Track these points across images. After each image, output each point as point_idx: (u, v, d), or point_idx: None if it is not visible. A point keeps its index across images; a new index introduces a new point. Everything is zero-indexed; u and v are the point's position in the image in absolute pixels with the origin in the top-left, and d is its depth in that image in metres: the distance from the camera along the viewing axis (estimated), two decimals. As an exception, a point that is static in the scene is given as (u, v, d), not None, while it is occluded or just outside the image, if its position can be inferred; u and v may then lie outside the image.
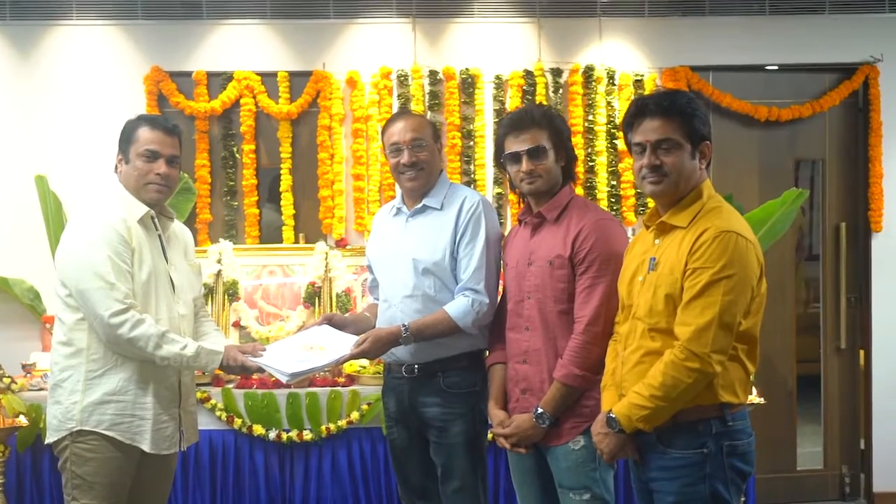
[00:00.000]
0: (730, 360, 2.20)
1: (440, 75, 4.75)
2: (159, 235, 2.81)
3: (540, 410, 2.58)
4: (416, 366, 2.84)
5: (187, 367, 2.76)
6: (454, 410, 2.81)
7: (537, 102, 4.70)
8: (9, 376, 3.80)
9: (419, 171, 2.85)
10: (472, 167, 4.77)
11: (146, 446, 2.68)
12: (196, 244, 4.59)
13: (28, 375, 4.03)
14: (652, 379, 2.18)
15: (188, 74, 4.67)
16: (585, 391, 2.56)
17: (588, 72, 4.78)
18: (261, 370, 2.86)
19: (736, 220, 2.26)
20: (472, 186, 4.75)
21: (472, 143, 4.77)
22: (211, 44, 4.70)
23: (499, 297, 2.89)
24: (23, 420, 3.68)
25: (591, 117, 4.75)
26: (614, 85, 4.81)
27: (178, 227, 2.99)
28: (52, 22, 4.64)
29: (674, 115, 2.29)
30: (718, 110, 4.89)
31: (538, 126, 2.66)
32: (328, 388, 3.86)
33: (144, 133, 2.76)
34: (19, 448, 3.78)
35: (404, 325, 2.75)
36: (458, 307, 2.76)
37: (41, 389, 3.84)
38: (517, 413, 2.68)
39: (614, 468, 2.68)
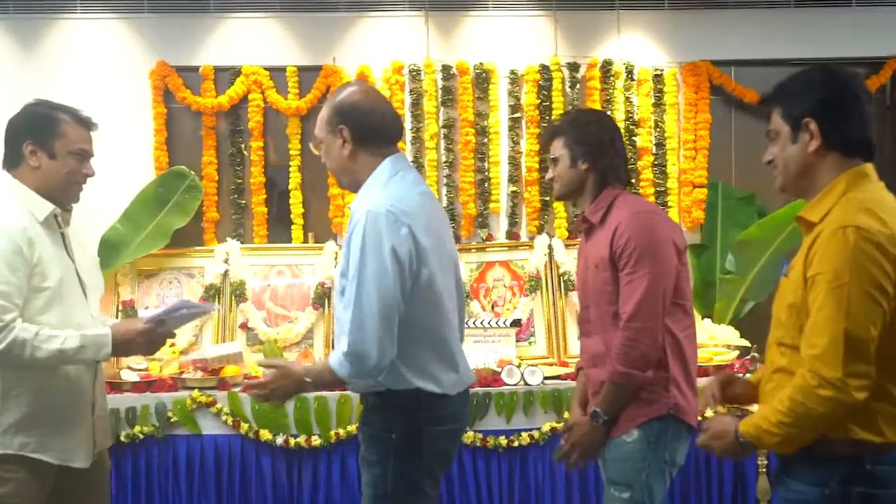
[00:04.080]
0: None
1: (454, 70, 4.76)
2: (62, 233, 2.68)
3: (594, 409, 2.63)
4: None
5: (74, 362, 2.53)
6: (367, 455, 2.45)
7: (554, 99, 4.72)
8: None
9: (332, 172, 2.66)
10: (486, 164, 4.78)
11: (78, 462, 2.59)
12: (202, 243, 4.70)
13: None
14: (780, 404, 1.86)
15: (195, 69, 4.70)
16: (647, 388, 2.58)
17: (606, 66, 4.78)
18: (152, 323, 2.62)
19: (863, 210, 1.84)
20: (486, 185, 4.76)
21: (486, 139, 4.77)
22: (218, 38, 4.73)
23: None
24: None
25: (609, 112, 4.76)
26: (633, 80, 4.82)
27: (74, 226, 2.83)
28: (56, 15, 4.67)
29: (769, 101, 2.13)
30: (741, 106, 4.90)
31: (556, 134, 2.81)
32: (338, 393, 3.83)
33: (74, 130, 2.63)
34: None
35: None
36: (334, 357, 2.36)
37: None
38: None
39: (667, 482, 2.65)
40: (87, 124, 2.69)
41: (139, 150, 4.67)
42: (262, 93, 4.70)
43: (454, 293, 2.54)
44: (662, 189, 4.80)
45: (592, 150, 2.72)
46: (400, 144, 4.51)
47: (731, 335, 4.27)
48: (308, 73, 4.74)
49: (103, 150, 4.52)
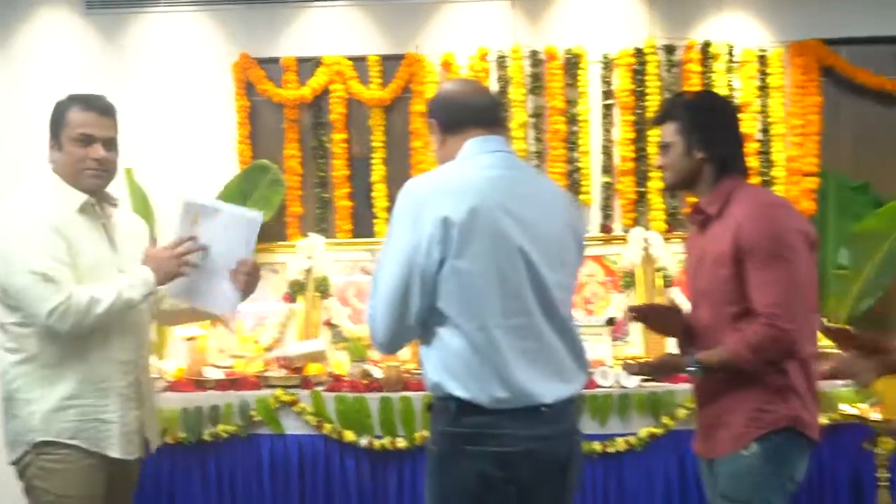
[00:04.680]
0: None
1: (542, 56, 4.59)
2: (103, 224, 2.66)
3: (696, 357, 2.46)
4: None
5: (132, 303, 2.51)
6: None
7: (649, 84, 4.51)
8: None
9: None
10: (576, 154, 4.59)
11: (114, 452, 2.56)
12: (285, 238, 4.64)
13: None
14: None
15: (276, 61, 4.65)
16: (766, 398, 2.39)
17: (705, 48, 4.54)
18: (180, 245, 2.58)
19: None
20: (576, 175, 4.59)
21: (576, 128, 4.59)
22: (299, 28, 4.66)
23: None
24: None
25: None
26: (735, 62, 4.57)
27: (130, 218, 2.86)
28: (140, 10, 4.68)
29: None
30: (853, 88, 4.60)
31: (669, 118, 2.59)
32: (422, 394, 3.69)
33: (77, 115, 2.59)
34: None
35: None
36: None
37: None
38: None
39: (786, 499, 2.45)
40: (93, 107, 2.62)
41: (223, 144, 4.65)
42: (345, 83, 4.62)
43: (542, 288, 2.15)
44: (768, 179, 4.53)
45: (710, 137, 2.52)
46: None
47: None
48: (391, 63, 4.64)
49: (187, 144, 4.61)
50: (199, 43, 4.68)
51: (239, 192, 4.54)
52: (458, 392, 2.08)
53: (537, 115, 4.59)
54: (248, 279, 2.64)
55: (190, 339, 4.27)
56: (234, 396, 3.82)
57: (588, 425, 3.70)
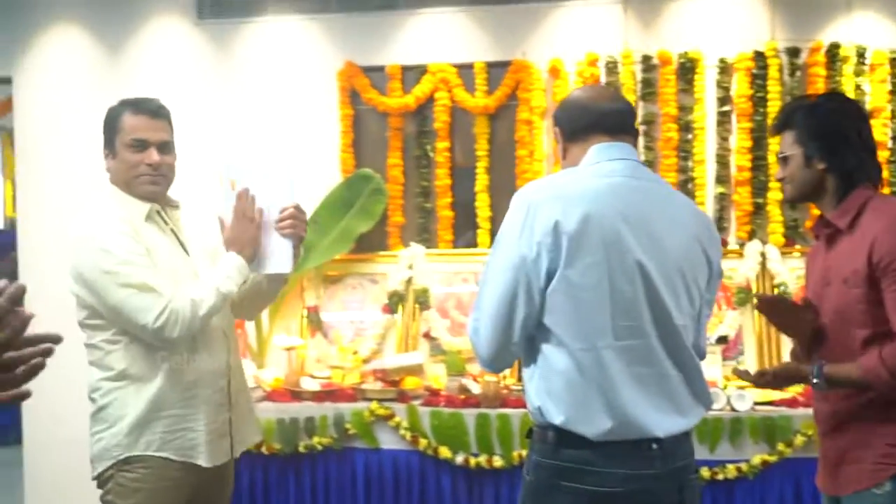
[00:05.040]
0: None
1: (654, 60, 4.41)
2: (172, 230, 2.59)
3: (824, 369, 2.25)
4: None
5: (231, 294, 2.46)
6: None
7: (770, 89, 4.27)
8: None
9: None
10: (689, 164, 4.40)
11: (203, 461, 2.50)
12: (387, 248, 4.61)
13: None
14: None
15: (381, 69, 4.62)
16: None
17: (832, 50, 4.27)
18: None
19: None
20: (691, 185, 4.38)
21: (690, 135, 4.39)
22: (405, 36, 4.63)
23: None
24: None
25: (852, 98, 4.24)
26: (865, 64, 4.27)
27: (194, 218, 2.73)
28: (249, 19, 4.74)
29: None
30: None
31: (786, 126, 2.41)
32: (521, 410, 3.58)
33: (129, 120, 2.51)
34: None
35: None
36: None
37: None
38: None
39: None
40: (144, 110, 2.54)
41: (326, 152, 4.65)
42: (450, 91, 4.55)
43: (661, 308, 1.96)
44: (898, 190, 4.24)
45: (833, 145, 2.32)
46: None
47: None
48: (496, 70, 4.54)
49: (289, 152, 4.63)
50: (305, 51, 4.69)
51: (341, 201, 4.54)
52: (560, 420, 1.92)
53: (648, 122, 4.41)
54: (292, 223, 2.52)
55: (289, 348, 4.29)
56: (330, 408, 3.81)
57: (697, 450, 3.49)
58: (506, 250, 1.97)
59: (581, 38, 4.46)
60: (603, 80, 4.42)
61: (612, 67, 4.42)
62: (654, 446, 1.92)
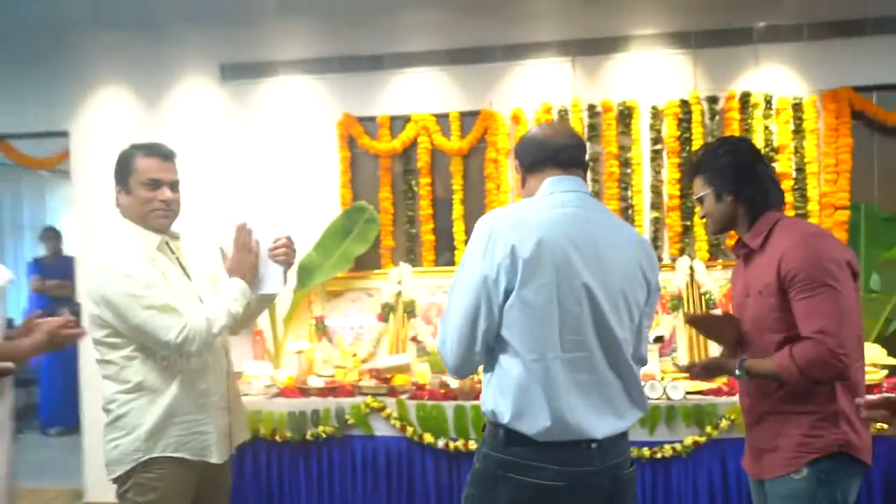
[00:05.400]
0: None
1: (598, 108, 4.30)
2: (177, 258, 2.47)
3: (746, 362, 2.18)
4: None
5: (238, 314, 2.37)
6: None
7: (694, 131, 4.18)
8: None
9: None
10: (629, 193, 4.29)
11: (214, 459, 2.40)
12: (380, 267, 4.48)
13: (237, 381, 3.97)
14: None
15: (373, 119, 4.52)
16: (815, 423, 2.09)
17: (745, 98, 4.17)
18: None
19: None
20: (630, 211, 4.28)
21: (629, 170, 4.28)
22: (392, 91, 4.52)
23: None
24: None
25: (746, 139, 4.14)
26: (772, 109, 4.18)
27: (190, 248, 2.60)
28: (263, 79, 4.62)
29: None
30: (883, 129, 4.15)
31: (696, 172, 2.34)
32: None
33: (143, 162, 2.39)
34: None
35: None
36: None
37: (246, 395, 3.77)
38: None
39: None
40: (156, 153, 2.43)
41: (328, 188, 4.53)
42: (430, 136, 4.44)
43: (603, 325, 1.85)
44: (803, 212, 4.12)
45: (733, 181, 2.24)
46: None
47: (878, 354, 3.55)
48: (468, 118, 4.43)
49: (297, 189, 4.51)
50: (310, 105, 4.58)
51: (341, 229, 4.43)
52: (507, 419, 1.81)
53: (594, 159, 4.30)
54: (285, 251, 2.45)
55: (299, 351, 4.16)
56: (333, 402, 3.67)
57: (638, 433, 3.39)
58: (470, 270, 1.84)
59: (537, 91, 4.36)
60: (556, 125, 4.33)
61: (563, 114, 4.31)
62: (593, 446, 1.83)
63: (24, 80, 4.84)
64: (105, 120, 4.75)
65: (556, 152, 1.97)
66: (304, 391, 3.79)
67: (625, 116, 4.28)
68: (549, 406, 1.79)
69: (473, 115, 4.42)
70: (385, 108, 4.51)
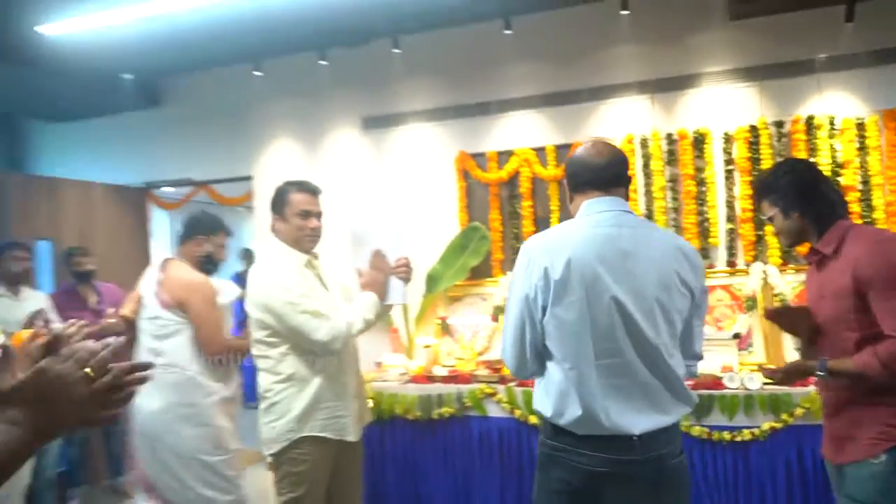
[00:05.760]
0: None
1: (675, 136, 4.05)
2: (317, 274, 2.48)
3: (827, 363, 1.92)
4: None
5: (372, 321, 2.39)
6: None
7: (762, 152, 3.85)
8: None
9: None
10: (705, 208, 4.00)
11: (352, 437, 2.40)
12: (491, 275, 4.40)
13: (377, 370, 4.01)
14: None
15: (483, 154, 4.46)
16: (894, 413, 1.86)
17: (809, 121, 3.80)
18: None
19: None
20: (706, 224, 3.99)
21: (704, 188, 4.00)
22: (499, 131, 4.45)
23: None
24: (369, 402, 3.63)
25: (813, 159, 3.77)
26: (835, 129, 3.78)
27: (327, 266, 2.60)
28: (396, 127, 4.68)
29: None
30: (946, 143, 3.66)
31: (762, 196, 2.12)
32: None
33: (297, 196, 2.43)
34: (374, 419, 3.70)
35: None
36: None
37: (384, 381, 3.80)
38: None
39: None
40: (308, 190, 2.46)
41: (448, 212, 4.52)
42: (530, 167, 4.33)
43: (636, 333, 1.68)
44: (870, 221, 3.70)
45: (796, 199, 2.02)
46: (632, 195, 3.97)
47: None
48: (562, 150, 4.29)
49: (424, 213, 4.53)
50: (432, 146, 4.59)
51: (459, 245, 4.39)
52: (550, 416, 1.73)
53: (673, 180, 4.05)
54: (406, 270, 2.45)
55: (427, 346, 4.15)
56: (454, 388, 3.61)
57: (719, 418, 3.14)
58: (516, 289, 1.77)
59: (620, 124, 4.16)
60: (638, 152, 4.11)
61: (643, 143, 4.10)
62: (634, 438, 1.69)
63: (222, 140, 5.15)
64: (278, 165, 4.96)
65: (595, 174, 1.81)
66: (430, 378, 3.77)
67: (699, 142, 4.01)
68: (584, 408, 1.68)
69: (566, 147, 4.27)
70: (492, 145, 4.45)
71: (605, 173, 1.82)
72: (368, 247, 2.47)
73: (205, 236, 2.91)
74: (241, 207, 7.02)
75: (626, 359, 1.69)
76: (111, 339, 1.00)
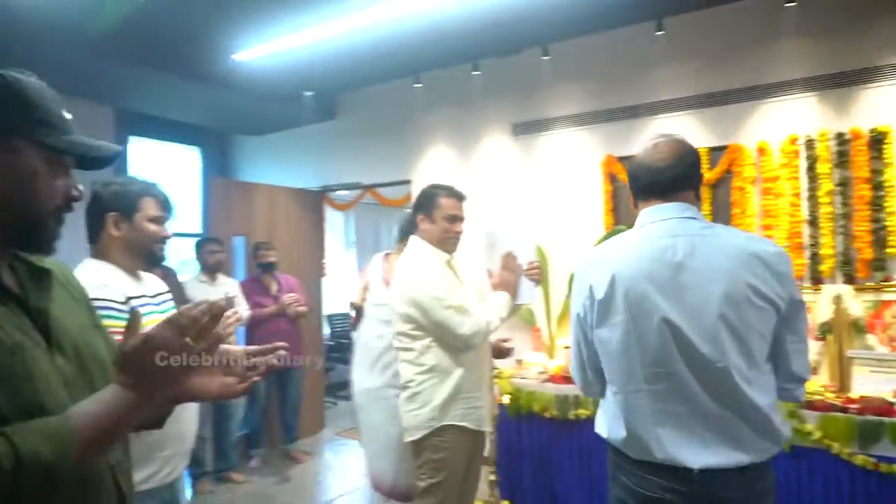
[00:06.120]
0: None
1: (847, 136, 3.68)
2: (455, 273, 2.56)
3: None
4: None
5: (504, 320, 2.48)
6: None
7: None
8: (497, 367, 3.89)
9: None
10: (882, 215, 3.60)
11: (486, 427, 2.49)
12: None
13: (518, 366, 4.13)
14: None
15: (630, 158, 4.37)
16: None
17: None
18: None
19: None
20: (883, 232, 3.59)
21: (881, 193, 3.60)
22: (646, 134, 4.29)
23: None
24: (505, 398, 3.76)
25: None
26: None
27: (462, 264, 2.68)
28: (544, 132, 4.77)
29: None
30: None
31: None
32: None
33: (446, 201, 2.51)
34: (509, 413, 3.81)
35: None
36: None
37: (524, 378, 3.90)
38: None
39: None
40: (457, 196, 2.57)
41: (594, 214, 4.52)
42: (681, 170, 4.19)
43: (694, 356, 1.48)
44: None
45: None
46: (792, 200, 3.68)
47: None
48: (716, 152, 4.09)
49: (570, 215, 4.57)
50: (579, 150, 4.61)
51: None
52: (606, 436, 1.66)
53: (843, 184, 3.69)
54: (536, 272, 2.51)
55: (567, 347, 4.18)
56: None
57: (888, 448, 2.80)
58: (571, 308, 1.73)
59: (782, 124, 3.87)
60: (802, 153, 3.80)
61: (809, 144, 3.78)
62: (695, 472, 1.49)
63: (386, 147, 5.59)
64: (433, 170, 5.27)
65: (654, 179, 1.63)
66: (567, 379, 3.78)
67: (877, 142, 3.61)
68: (632, 434, 1.55)
69: (720, 149, 4.07)
70: (640, 148, 4.35)
71: (664, 177, 1.63)
72: (500, 248, 2.57)
73: None
74: (399, 208, 7.49)
75: (683, 384, 1.50)
76: (214, 301, 0.98)
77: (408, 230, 3.02)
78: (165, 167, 6.15)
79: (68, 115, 1.08)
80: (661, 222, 1.61)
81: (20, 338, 0.96)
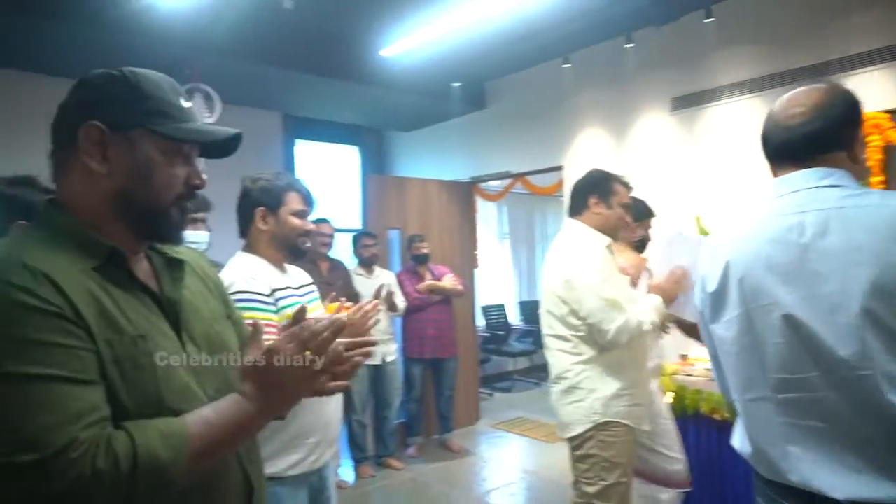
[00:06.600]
0: None
1: None
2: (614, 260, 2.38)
3: None
4: None
5: (656, 325, 2.31)
6: None
7: None
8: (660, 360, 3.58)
9: None
10: None
11: (646, 426, 2.34)
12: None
13: (682, 362, 3.77)
14: None
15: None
16: None
17: None
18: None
19: None
20: None
21: None
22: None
23: None
24: (669, 397, 3.44)
25: None
26: None
27: (624, 256, 2.61)
28: (705, 106, 4.31)
29: None
30: None
31: None
32: None
33: (621, 189, 2.35)
34: (675, 414, 3.51)
35: None
36: None
37: (689, 375, 3.55)
38: None
39: None
40: (628, 186, 2.46)
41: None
42: (882, 133, 3.52)
43: (831, 361, 1.14)
44: None
45: None
46: None
47: None
48: (928, 110, 3.41)
49: (739, 197, 4.07)
50: (745, 121, 4.09)
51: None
52: (737, 448, 1.38)
53: None
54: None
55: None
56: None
57: None
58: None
59: None
60: None
61: None
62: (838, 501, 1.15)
63: (535, 134, 5.43)
64: (587, 154, 5.02)
65: (786, 139, 1.28)
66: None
67: None
68: (758, 450, 1.26)
69: None
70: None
71: (797, 135, 1.27)
72: (676, 252, 2.42)
73: (639, 222, 2.97)
74: (550, 196, 7.28)
75: (818, 395, 1.17)
76: (336, 317, 1.00)
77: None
78: (328, 167, 6.51)
79: (187, 104, 1.08)
80: (790, 195, 1.27)
81: (146, 328, 0.97)
